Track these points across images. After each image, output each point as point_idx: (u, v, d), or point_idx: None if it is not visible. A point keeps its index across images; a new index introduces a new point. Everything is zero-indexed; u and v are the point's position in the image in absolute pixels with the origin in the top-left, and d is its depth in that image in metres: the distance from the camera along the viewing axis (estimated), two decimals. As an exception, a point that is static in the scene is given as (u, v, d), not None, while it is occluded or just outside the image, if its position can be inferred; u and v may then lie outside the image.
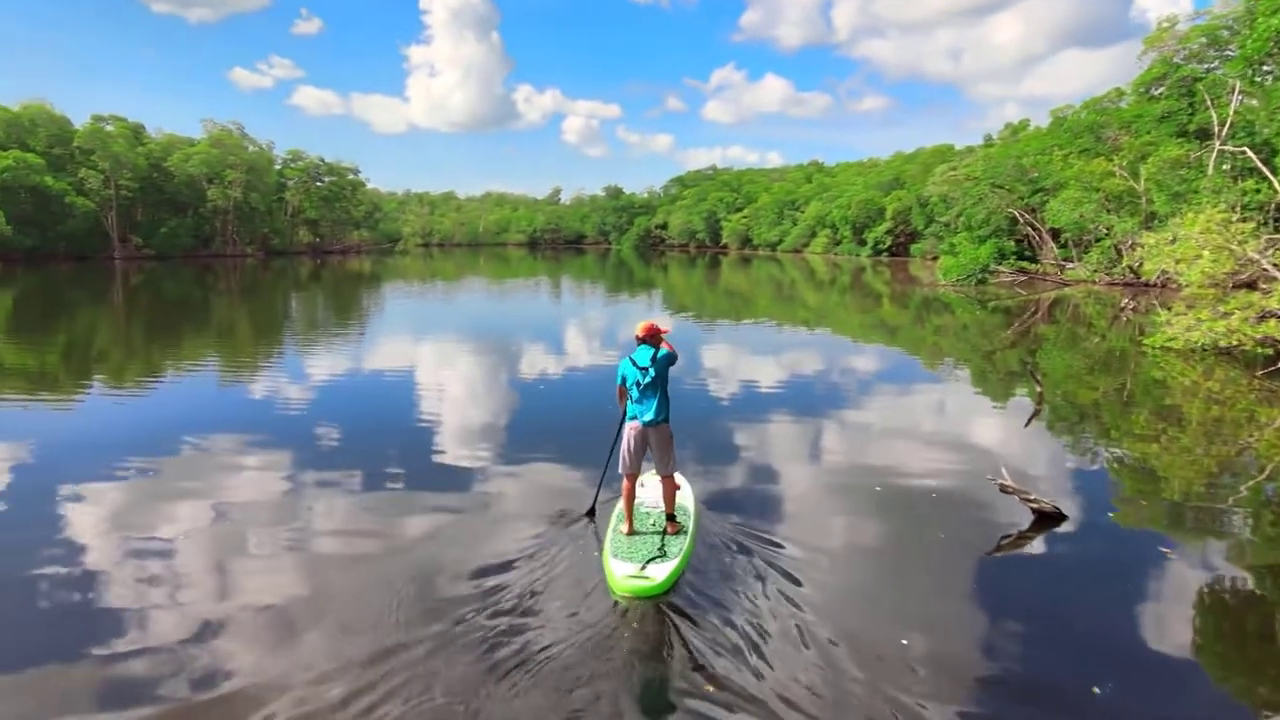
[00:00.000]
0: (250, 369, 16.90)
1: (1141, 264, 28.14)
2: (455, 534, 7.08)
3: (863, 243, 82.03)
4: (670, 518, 6.65)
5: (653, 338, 6.68)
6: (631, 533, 6.52)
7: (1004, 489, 7.30)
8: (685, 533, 6.57)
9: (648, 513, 6.98)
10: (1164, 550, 6.77)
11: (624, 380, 6.66)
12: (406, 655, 4.96)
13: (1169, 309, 18.27)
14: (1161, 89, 39.87)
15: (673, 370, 6.74)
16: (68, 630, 5.43)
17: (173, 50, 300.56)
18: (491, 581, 5.96)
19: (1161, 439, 10.81)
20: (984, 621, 5.59)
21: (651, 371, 6.47)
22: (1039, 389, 12.67)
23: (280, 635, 5.34)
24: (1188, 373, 15.26)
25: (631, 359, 6.62)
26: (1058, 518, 7.21)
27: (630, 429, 6.60)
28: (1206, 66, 37.99)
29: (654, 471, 6.94)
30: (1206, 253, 16.45)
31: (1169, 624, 5.64)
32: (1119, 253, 36.03)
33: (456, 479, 8.77)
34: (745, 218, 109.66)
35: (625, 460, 6.64)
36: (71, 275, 49.40)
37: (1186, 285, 17.59)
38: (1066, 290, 36.51)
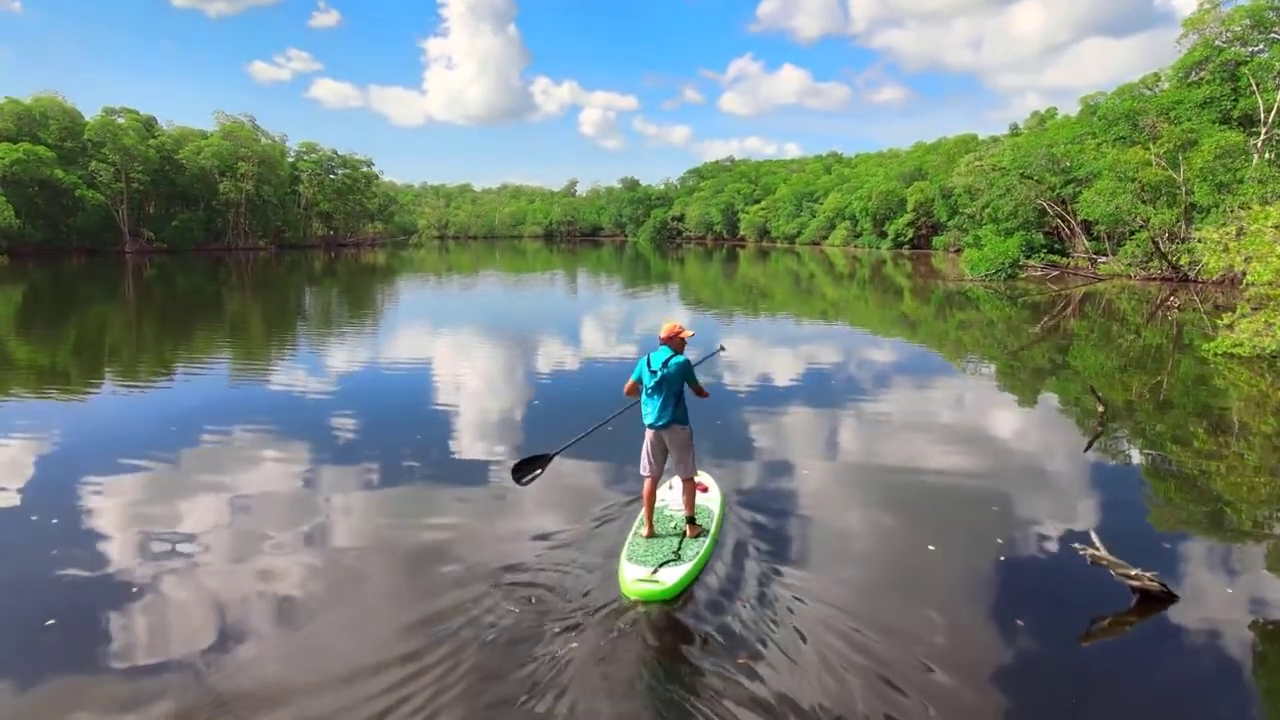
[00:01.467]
0: (262, 365, 16.60)
1: (1202, 261, 26.11)
2: (469, 532, 7.05)
3: (883, 235, 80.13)
4: (690, 520, 6.59)
5: (674, 341, 6.58)
6: (651, 535, 6.46)
7: (1095, 561, 5.77)
8: (706, 535, 6.52)
9: (670, 515, 6.92)
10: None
11: (639, 378, 6.59)
12: (410, 657, 4.90)
13: (1232, 309, 16.80)
14: (1203, 73, 38.01)
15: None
16: (82, 623, 5.43)
17: (192, 44, 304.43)
18: (504, 580, 5.91)
19: (1256, 471, 9.37)
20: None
21: (659, 374, 6.40)
22: (1101, 409, 11.18)
23: (294, 632, 5.34)
24: (1256, 382, 13.81)
25: (648, 359, 6.56)
26: (1166, 599, 5.61)
27: (647, 431, 6.59)
28: (1251, 50, 36.18)
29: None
30: None
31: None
32: (1157, 246, 34.32)
33: (471, 475, 8.69)
34: (763, 210, 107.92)
35: (645, 463, 6.60)
36: (82, 269, 49.00)
37: (1251, 284, 16.07)
38: (1100, 285, 34.86)
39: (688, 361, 6.54)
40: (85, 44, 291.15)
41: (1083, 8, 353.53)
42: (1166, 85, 41.25)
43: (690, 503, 6.59)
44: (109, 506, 7.71)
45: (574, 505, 7.40)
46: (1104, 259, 40.84)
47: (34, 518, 7.43)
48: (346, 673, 4.74)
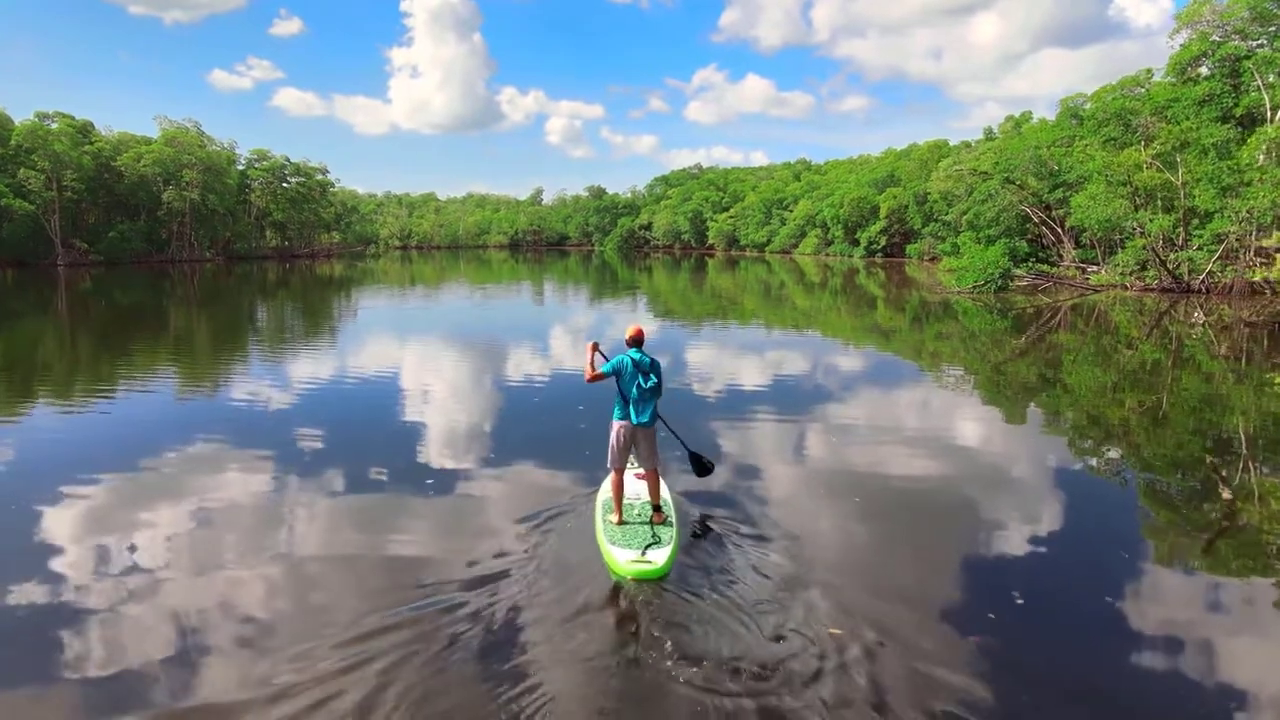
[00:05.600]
0: (202, 385, 15.41)
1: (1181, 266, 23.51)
2: (446, 533, 7.22)
3: (855, 243, 78.31)
4: (657, 509, 7.03)
5: (640, 341, 7.08)
6: (622, 523, 6.87)
7: None
8: (671, 523, 6.92)
9: (630, 504, 7.28)
10: None
11: (618, 374, 6.90)
12: (410, 659, 4.93)
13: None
14: (1199, 69, 35.96)
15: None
16: (43, 644, 5.25)
17: (150, 53, 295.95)
18: (491, 568, 6.24)
19: None
20: None
21: (653, 378, 6.84)
22: (1227, 496, 8.13)
23: (270, 643, 5.22)
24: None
25: (631, 359, 6.89)
26: None
27: (620, 427, 6.93)
28: (1253, 44, 34.11)
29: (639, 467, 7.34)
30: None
31: None
32: (1156, 254, 32.08)
33: (440, 483, 8.70)
34: (732, 218, 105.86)
35: (614, 455, 6.99)
36: (9, 284, 45.26)
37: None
38: (1096, 296, 32.59)
39: (660, 365, 7.09)
40: (37, 52, 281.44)
41: (1039, 19, 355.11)
42: (1164, 80, 38.84)
43: (656, 492, 7.10)
44: (64, 523, 7.51)
45: (545, 503, 7.79)
46: (1094, 268, 38.75)
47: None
48: (349, 673, 4.78)
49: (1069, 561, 6.77)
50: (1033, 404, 13.44)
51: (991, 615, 5.66)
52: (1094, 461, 9.96)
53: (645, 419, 6.84)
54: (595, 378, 7.06)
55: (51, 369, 17.20)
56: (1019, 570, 6.52)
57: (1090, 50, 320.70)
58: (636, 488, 7.56)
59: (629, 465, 7.30)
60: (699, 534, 7.02)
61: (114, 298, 37.57)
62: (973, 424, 11.84)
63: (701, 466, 7.84)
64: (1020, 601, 5.88)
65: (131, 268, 63.79)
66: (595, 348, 7.27)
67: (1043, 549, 7.00)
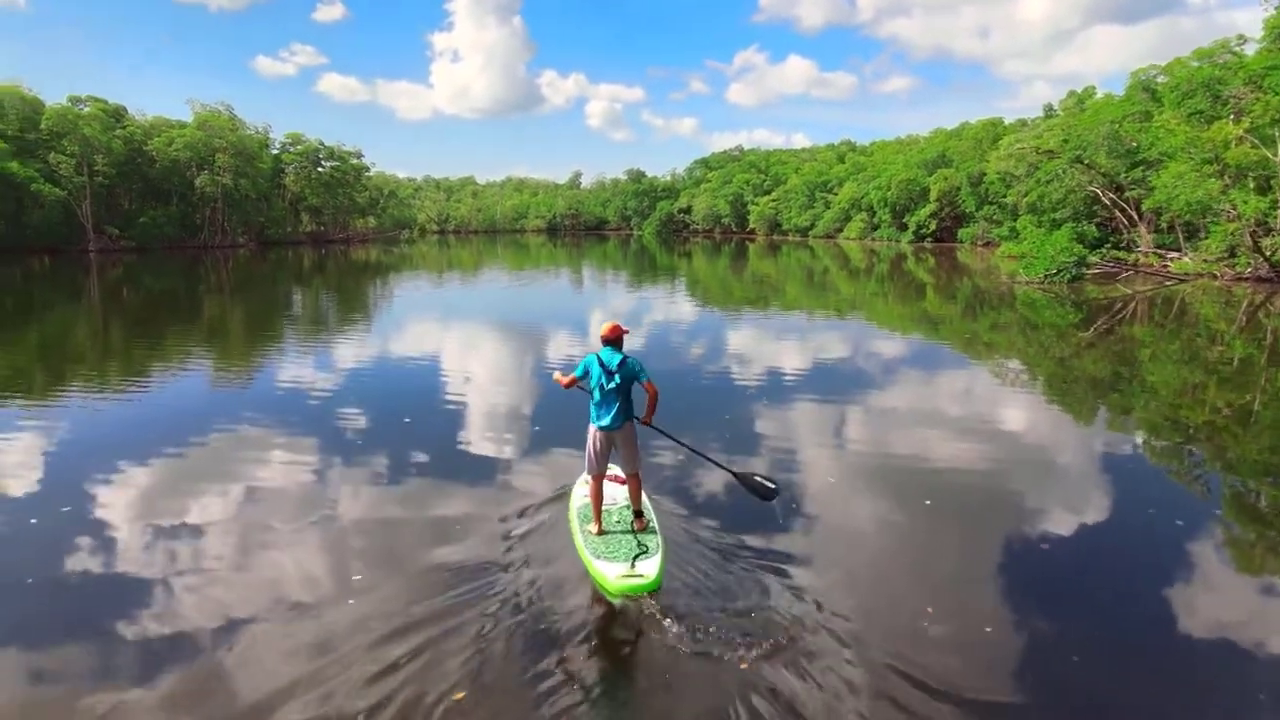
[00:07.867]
0: (238, 370, 15.67)
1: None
2: (450, 526, 7.10)
3: (903, 227, 74.97)
4: (638, 514, 6.76)
5: (618, 339, 6.65)
6: (601, 533, 6.60)
7: None
8: (654, 529, 6.66)
9: (607, 511, 6.98)
10: None
11: (585, 374, 6.63)
12: (426, 654, 4.94)
13: None
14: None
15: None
16: (93, 621, 5.43)
17: (195, 40, 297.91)
18: (495, 579, 6.02)
19: None
20: None
21: (617, 378, 6.48)
22: None
23: (303, 626, 5.34)
24: None
25: (599, 358, 6.58)
26: None
27: (594, 432, 6.65)
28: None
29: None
30: None
31: None
32: (1254, 241, 28.90)
33: (464, 472, 8.65)
34: (774, 201, 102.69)
35: (591, 462, 6.70)
36: (39, 271, 44.39)
37: None
38: (1182, 286, 29.51)
39: (639, 360, 6.59)
40: (87, 42, 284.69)
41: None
42: (1261, 46, 34.94)
43: (638, 497, 6.76)
44: (116, 504, 7.61)
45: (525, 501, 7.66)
46: (1173, 254, 35.55)
47: (33, 520, 7.29)
48: (360, 666, 4.79)
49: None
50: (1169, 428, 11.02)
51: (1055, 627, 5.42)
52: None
53: (607, 422, 6.47)
54: (571, 384, 6.71)
55: (91, 355, 17.33)
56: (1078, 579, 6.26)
57: (1145, 26, 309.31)
58: (612, 492, 7.26)
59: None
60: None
61: (147, 284, 36.70)
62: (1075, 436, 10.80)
63: (760, 491, 6.85)
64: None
65: (164, 254, 62.95)
66: (573, 382, 6.76)
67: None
